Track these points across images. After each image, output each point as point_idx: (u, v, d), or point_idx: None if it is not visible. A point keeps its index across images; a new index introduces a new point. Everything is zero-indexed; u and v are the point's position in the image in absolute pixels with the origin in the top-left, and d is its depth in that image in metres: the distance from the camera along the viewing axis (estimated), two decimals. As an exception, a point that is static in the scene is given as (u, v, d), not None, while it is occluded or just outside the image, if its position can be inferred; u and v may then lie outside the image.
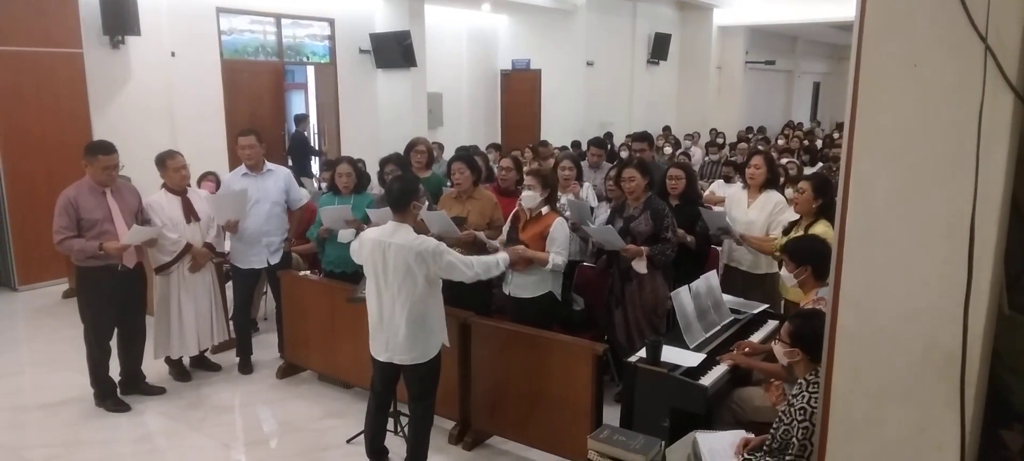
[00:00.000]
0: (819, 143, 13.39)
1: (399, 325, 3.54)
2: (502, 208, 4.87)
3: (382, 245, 3.52)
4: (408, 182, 3.71)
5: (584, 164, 6.49)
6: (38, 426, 4.54)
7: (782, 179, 5.68)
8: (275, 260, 5.24)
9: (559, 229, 4.35)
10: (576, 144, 10.98)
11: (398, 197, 3.57)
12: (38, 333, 6.33)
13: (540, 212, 4.41)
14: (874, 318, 2.04)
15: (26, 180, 7.20)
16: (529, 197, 4.38)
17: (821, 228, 4.22)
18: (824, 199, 4.28)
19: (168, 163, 4.84)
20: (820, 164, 9.97)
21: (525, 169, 5.28)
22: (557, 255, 4.33)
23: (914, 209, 1.94)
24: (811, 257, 3.59)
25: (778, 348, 3.04)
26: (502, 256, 3.93)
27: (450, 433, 4.25)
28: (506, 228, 4.59)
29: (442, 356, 3.74)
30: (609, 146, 11.44)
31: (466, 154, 5.37)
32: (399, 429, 4.03)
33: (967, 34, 1.80)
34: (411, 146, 5.97)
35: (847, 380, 2.13)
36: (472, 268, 3.63)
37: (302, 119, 10.59)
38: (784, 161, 8.51)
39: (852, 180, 2.03)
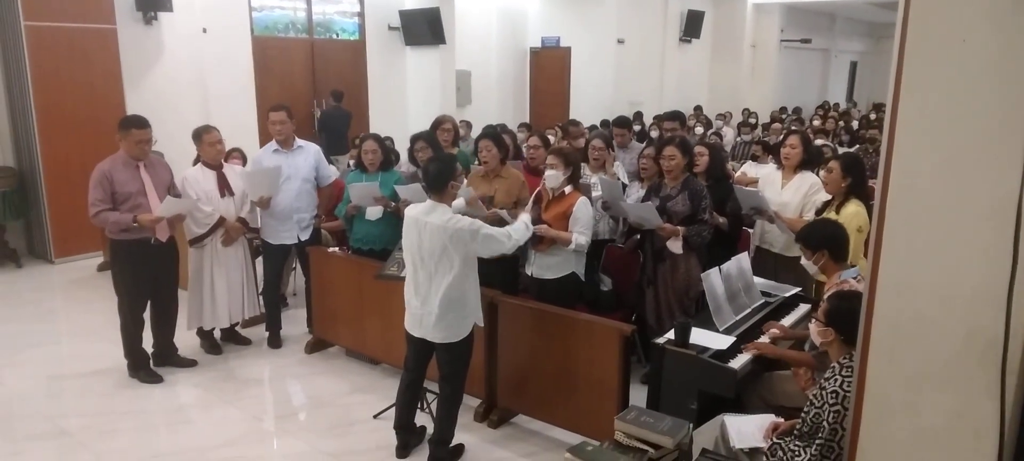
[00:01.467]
0: (855, 124, 13.12)
1: (434, 303, 3.55)
2: (530, 187, 4.84)
3: (418, 224, 3.54)
4: (445, 163, 3.69)
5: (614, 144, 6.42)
6: (74, 395, 4.64)
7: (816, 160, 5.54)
8: (305, 236, 5.28)
9: (582, 208, 4.31)
10: (606, 123, 10.88)
11: (435, 177, 3.56)
12: (74, 305, 6.48)
13: (563, 191, 4.37)
14: (913, 301, 1.98)
15: (62, 154, 7.33)
16: (552, 176, 4.34)
17: (852, 208, 4.13)
18: (853, 178, 4.18)
19: (204, 137, 4.90)
20: (856, 146, 9.76)
21: (550, 148, 5.24)
22: (580, 235, 4.28)
23: (958, 190, 1.87)
24: (825, 241, 3.50)
25: (813, 327, 2.98)
26: (525, 217, 3.94)
27: (476, 411, 4.26)
28: (529, 207, 4.55)
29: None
30: (640, 126, 11.33)
31: (493, 132, 5.33)
32: (425, 406, 4.05)
33: (1018, 6, 1.72)
34: (437, 124, 5.96)
35: (883, 364, 2.08)
36: (511, 238, 3.67)
37: (339, 95, 10.60)
38: (819, 142, 8.33)
39: (894, 161, 1.96)
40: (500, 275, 4.63)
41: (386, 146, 5.33)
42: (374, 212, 4.99)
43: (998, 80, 1.78)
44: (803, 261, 3.65)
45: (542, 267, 4.43)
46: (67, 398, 4.61)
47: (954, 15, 1.82)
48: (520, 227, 3.82)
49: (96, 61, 7.52)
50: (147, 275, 4.66)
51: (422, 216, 3.54)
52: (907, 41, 1.89)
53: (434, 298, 3.55)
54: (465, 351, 3.71)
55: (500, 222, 4.53)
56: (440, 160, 3.77)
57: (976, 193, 1.85)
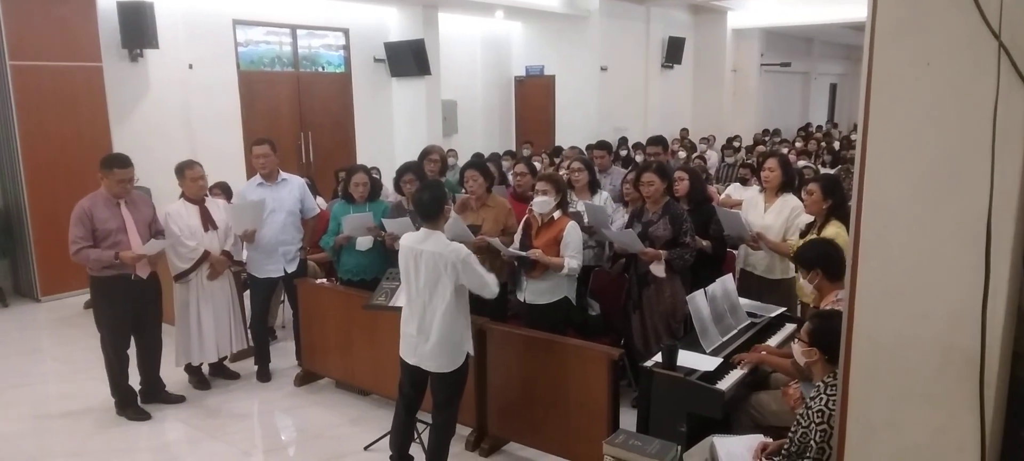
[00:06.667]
0: (837, 145, 13.29)
1: (429, 331, 3.55)
2: (518, 214, 4.87)
3: (414, 252, 3.54)
4: (436, 189, 3.69)
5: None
6: (60, 434, 4.59)
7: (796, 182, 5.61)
8: (292, 268, 5.28)
9: (572, 233, 4.35)
10: (591, 146, 10.94)
11: (429, 205, 3.57)
12: (60, 343, 6.42)
13: (552, 217, 4.40)
14: (891, 319, 2.02)
15: (48, 192, 7.31)
16: (542, 202, 4.37)
17: (833, 230, 4.18)
18: (833, 200, 4.24)
19: (186, 173, 4.91)
20: (838, 166, 9.88)
21: (538, 174, 5.28)
22: (572, 259, 4.32)
23: (929, 209, 1.92)
24: (819, 260, 3.54)
25: (796, 347, 3.01)
26: (492, 278, 3.68)
27: (467, 439, 4.25)
28: (519, 235, 4.58)
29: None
30: (625, 152, 11.42)
31: (479, 161, 5.37)
32: (417, 436, 4.04)
33: (981, 32, 1.78)
34: (424, 154, 6.01)
35: (865, 382, 2.11)
36: (489, 287, 3.61)
37: None
38: (800, 164, 8.44)
39: (866, 181, 2.02)
40: (489, 302, 4.64)
41: (374, 178, 5.38)
42: (365, 242, 5.01)
43: (963, 102, 1.84)
44: (801, 280, 3.70)
45: (535, 293, 4.45)
46: (54, 437, 4.56)
47: (919, 39, 1.89)
48: (493, 281, 3.65)
49: (82, 99, 7.54)
50: (128, 312, 4.63)
51: (417, 244, 3.55)
52: (874, 66, 1.96)
53: (430, 327, 3.54)
54: (459, 381, 3.70)
55: (492, 250, 4.56)
56: (431, 187, 3.75)
57: (947, 212, 1.90)
